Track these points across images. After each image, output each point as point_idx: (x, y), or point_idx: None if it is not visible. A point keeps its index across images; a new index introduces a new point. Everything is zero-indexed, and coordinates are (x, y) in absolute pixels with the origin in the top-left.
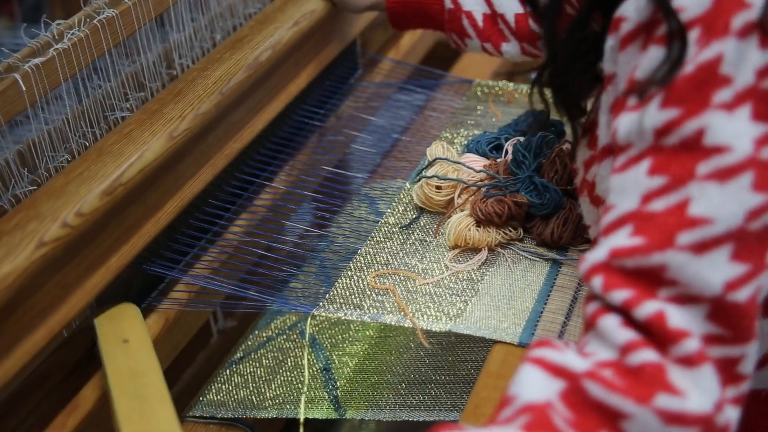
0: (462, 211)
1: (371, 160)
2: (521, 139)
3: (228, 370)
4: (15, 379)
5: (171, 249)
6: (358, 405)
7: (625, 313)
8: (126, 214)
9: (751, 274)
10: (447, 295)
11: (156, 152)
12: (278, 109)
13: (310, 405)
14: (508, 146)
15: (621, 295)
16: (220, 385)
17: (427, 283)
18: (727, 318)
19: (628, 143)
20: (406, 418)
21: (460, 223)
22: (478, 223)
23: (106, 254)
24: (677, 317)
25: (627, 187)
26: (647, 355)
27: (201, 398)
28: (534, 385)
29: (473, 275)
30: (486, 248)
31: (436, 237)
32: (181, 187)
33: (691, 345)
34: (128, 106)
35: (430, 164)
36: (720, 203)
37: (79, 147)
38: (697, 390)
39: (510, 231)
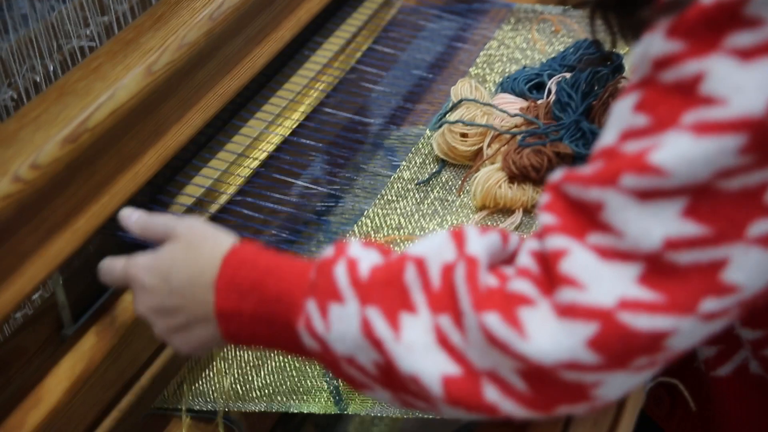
0: (492, 164)
1: (385, 102)
2: (568, 76)
3: (208, 354)
4: None
5: (152, 211)
6: (364, 398)
7: (541, 239)
8: (95, 167)
9: (708, 240)
10: None
11: (131, 91)
12: (285, 39)
13: (305, 397)
14: (552, 84)
15: (546, 218)
16: (199, 371)
17: None
18: (661, 282)
19: (634, 66)
20: (420, 415)
21: (490, 178)
22: (512, 178)
23: (71, 216)
24: (584, 264)
25: (614, 117)
26: (523, 286)
27: (176, 387)
28: (431, 242)
29: None
30: (520, 210)
31: (459, 195)
32: (163, 135)
33: (584, 296)
34: (88, 33)
35: (455, 107)
36: (685, 155)
37: (27, 83)
38: (543, 333)
39: None
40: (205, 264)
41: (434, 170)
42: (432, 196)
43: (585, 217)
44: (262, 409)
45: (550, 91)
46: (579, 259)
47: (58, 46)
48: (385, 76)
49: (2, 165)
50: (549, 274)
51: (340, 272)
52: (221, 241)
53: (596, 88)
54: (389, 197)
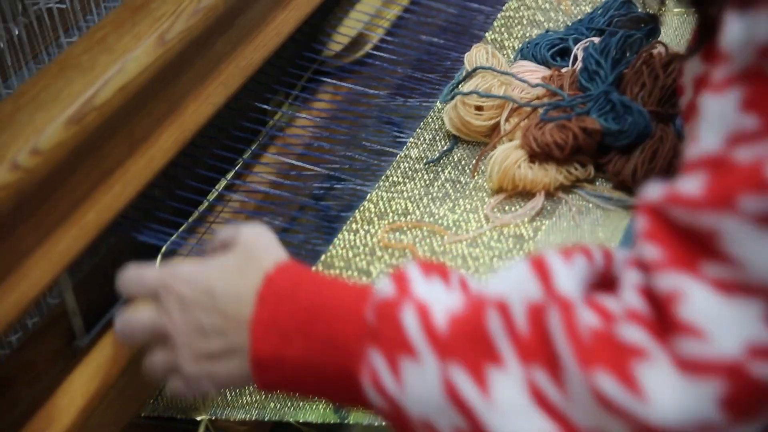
0: (510, 140)
1: (391, 71)
2: (596, 40)
3: None
4: None
5: (169, 208)
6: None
7: (648, 273)
8: (103, 152)
9: None
10: (486, 258)
11: (141, 64)
12: (314, 2)
13: (301, 404)
14: (578, 50)
15: (651, 251)
16: None
17: (460, 241)
18: None
19: (729, 53)
20: None
21: (507, 157)
22: (532, 157)
23: (78, 208)
24: (704, 307)
25: (715, 116)
26: (635, 335)
27: (158, 392)
28: (510, 278)
29: (524, 231)
30: (542, 193)
31: (474, 177)
32: (180, 114)
33: (708, 348)
34: None
35: (469, 76)
36: None
37: None
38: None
39: (576, 169)
40: (254, 281)
41: (445, 148)
42: (443, 177)
43: (697, 247)
44: (253, 418)
45: (576, 58)
46: (698, 302)
47: (23, 7)
48: (390, 42)
49: None
50: (664, 320)
51: (410, 322)
52: (265, 261)
53: (628, 54)
54: (395, 178)
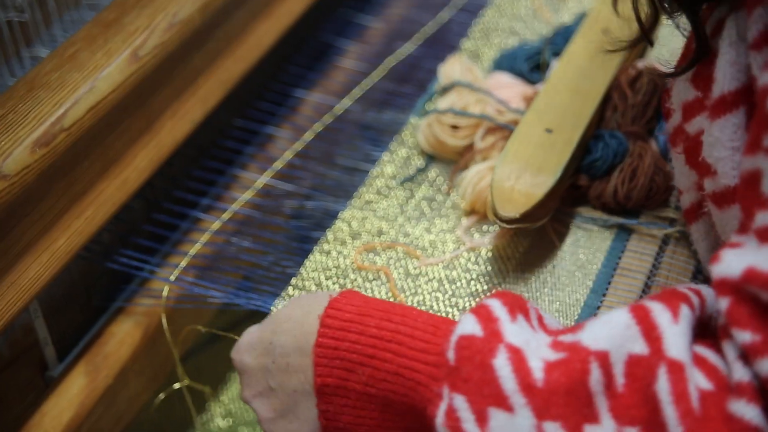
0: (484, 159)
1: (359, 81)
2: None
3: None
4: None
5: (145, 233)
6: None
7: (747, 358)
8: (74, 175)
9: None
10: (464, 281)
11: (114, 81)
12: (294, 12)
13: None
14: (556, 64)
15: (744, 336)
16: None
17: (435, 264)
18: None
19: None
20: None
21: (482, 179)
22: None
23: (47, 234)
24: None
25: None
26: (748, 412)
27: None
28: (612, 331)
29: (501, 253)
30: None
31: (449, 195)
32: (156, 132)
33: None
34: (17, 3)
35: (445, 90)
36: None
37: None
38: None
39: None
40: (308, 324)
41: (421, 165)
42: (418, 196)
43: None
44: None
45: (549, 77)
46: None
47: None
48: (362, 51)
49: None
50: None
51: (504, 370)
52: (325, 293)
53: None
54: (368, 197)
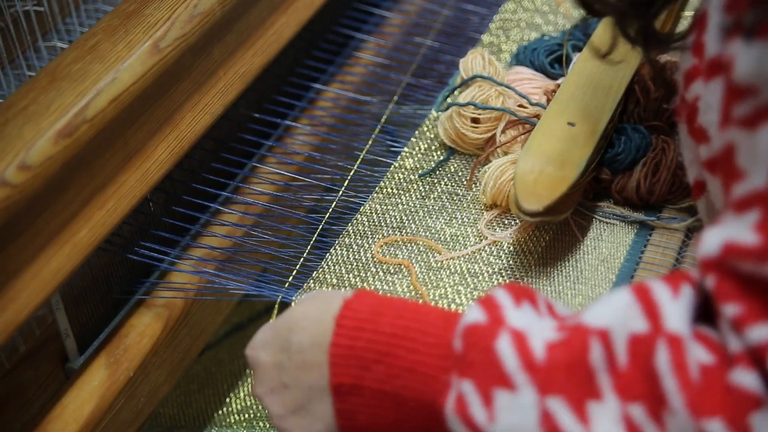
0: (506, 153)
1: (384, 76)
2: None
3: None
4: None
5: (165, 225)
6: None
7: (736, 332)
8: (96, 166)
9: None
10: (486, 275)
11: (135, 73)
12: (315, 5)
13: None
14: (577, 58)
15: (731, 309)
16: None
17: (457, 258)
18: None
19: (751, 86)
20: None
21: (503, 173)
22: None
23: (70, 226)
24: None
25: (759, 152)
26: (749, 380)
27: (155, 416)
28: (612, 309)
29: (523, 247)
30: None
31: (470, 189)
32: (176, 124)
33: None
34: None
35: (465, 84)
36: None
37: None
38: None
39: None
40: (324, 324)
41: (441, 158)
42: (439, 189)
43: None
44: None
45: (570, 71)
46: None
47: None
48: (383, 45)
49: None
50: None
51: (507, 351)
52: (338, 294)
53: None
54: (389, 190)
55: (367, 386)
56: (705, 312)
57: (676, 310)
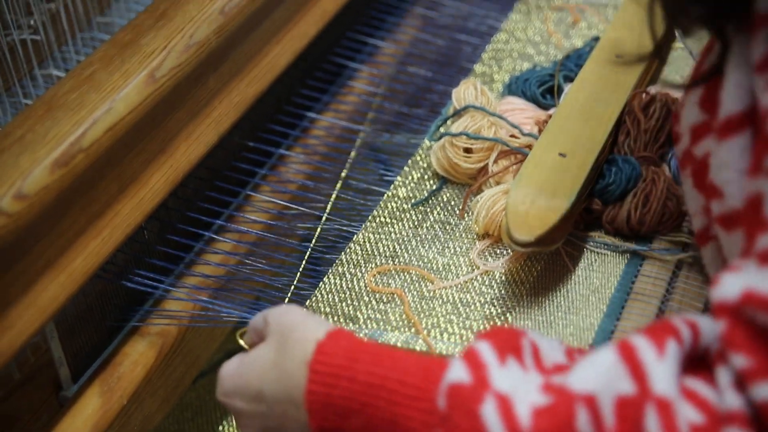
0: (498, 183)
1: (377, 105)
2: None
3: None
4: None
5: (159, 253)
6: None
7: (742, 382)
8: (92, 195)
9: None
10: (478, 305)
11: (131, 102)
12: (309, 35)
13: None
14: (568, 89)
15: (739, 360)
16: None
17: (449, 287)
18: None
19: None
20: None
21: (495, 203)
22: None
23: (65, 254)
24: None
25: None
26: None
27: None
28: (598, 372)
29: (515, 276)
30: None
31: (463, 218)
32: (171, 154)
33: None
34: (32, 23)
35: (458, 114)
36: None
37: None
38: None
39: None
40: (295, 372)
41: (434, 188)
42: (431, 219)
43: None
44: None
45: (565, 96)
46: None
47: None
48: (376, 74)
49: None
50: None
51: (492, 418)
52: (309, 335)
53: None
54: (382, 219)
55: (350, 431)
56: (694, 360)
57: (662, 370)
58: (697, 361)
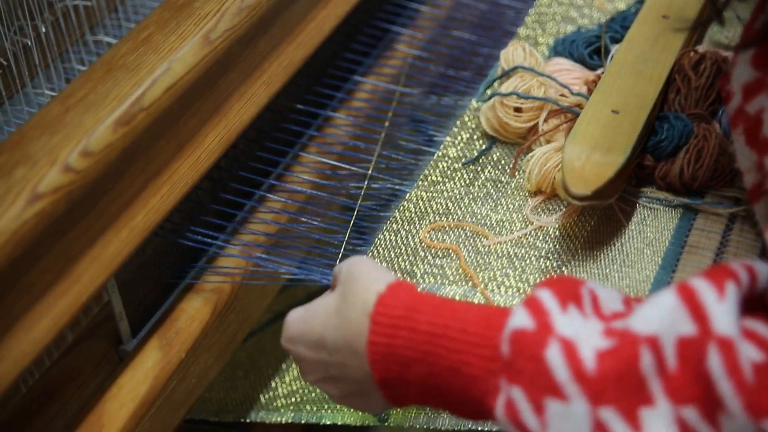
0: (548, 142)
1: (423, 68)
2: None
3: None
4: (10, 395)
5: (212, 211)
6: (406, 408)
7: None
8: (152, 154)
9: None
10: (533, 259)
11: (188, 63)
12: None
13: (339, 406)
14: (615, 51)
15: None
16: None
17: (504, 242)
18: None
19: None
20: (473, 428)
21: (548, 160)
22: None
23: (127, 211)
24: None
25: None
26: None
27: (205, 396)
28: (660, 314)
29: (569, 231)
30: None
31: (514, 176)
32: (225, 114)
33: None
34: None
35: (506, 75)
36: None
37: (16, 48)
38: None
39: None
40: (355, 322)
41: (483, 147)
42: (483, 177)
43: None
44: (289, 420)
45: (612, 59)
46: None
47: (49, 3)
48: (421, 38)
49: (49, 153)
50: None
51: (557, 361)
52: (371, 286)
53: None
54: (434, 178)
55: (411, 380)
56: (752, 303)
57: (723, 311)
58: (755, 304)
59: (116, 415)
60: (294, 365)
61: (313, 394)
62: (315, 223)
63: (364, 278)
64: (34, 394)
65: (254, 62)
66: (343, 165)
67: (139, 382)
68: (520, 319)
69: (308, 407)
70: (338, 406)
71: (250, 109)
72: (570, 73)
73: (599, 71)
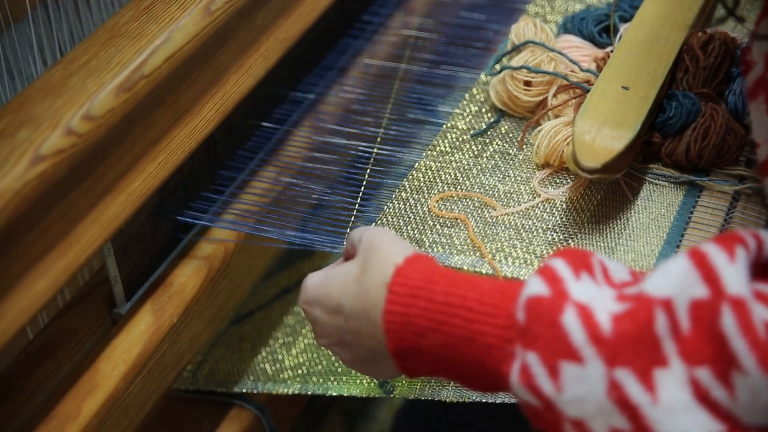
0: (557, 116)
1: (431, 43)
2: None
3: (232, 329)
4: (9, 351)
5: (207, 179)
6: (412, 380)
7: None
8: (151, 120)
9: None
10: (540, 231)
11: (188, 33)
12: None
13: (345, 378)
14: (624, 30)
15: None
16: (221, 349)
17: (511, 213)
18: None
19: None
20: (477, 399)
21: (557, 133)
22: None
23: (126, 175)
24: None
25: None
26: None
27: (195, 366)
28: (672, 278)
29: (575, 205)
30: None
31: (522, 149)
32: (222, 84)
33: None
34: None
35: (516, 49)
36: None
37: None
38: None
39: None
40: (373, 291)
41: (492, 120)
42: (491, 149)
43: None
44: (296, 392)
45: (621, 38)
46: None
47: None
48: (431, 14)
49: (53, 116)
50: None
51: (573, 325)
52: (390, 258)
53: None
54: (442, 148)
55: (425, 350)
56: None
57: (735, 273)
58: (763, 270)
59: (109, 375)
60: (301, 338)
61: (320, 367)
62: (315, 188)
63: (385, 250)
64: (34, 347)
65: (252, 35)
66: (347, 128)
67: (132, 344)
68: (536, 287)
69: (314, 379)
70: (344, 378)
71: (247, 81)
72: (579, 50)
73: (608, 49)
